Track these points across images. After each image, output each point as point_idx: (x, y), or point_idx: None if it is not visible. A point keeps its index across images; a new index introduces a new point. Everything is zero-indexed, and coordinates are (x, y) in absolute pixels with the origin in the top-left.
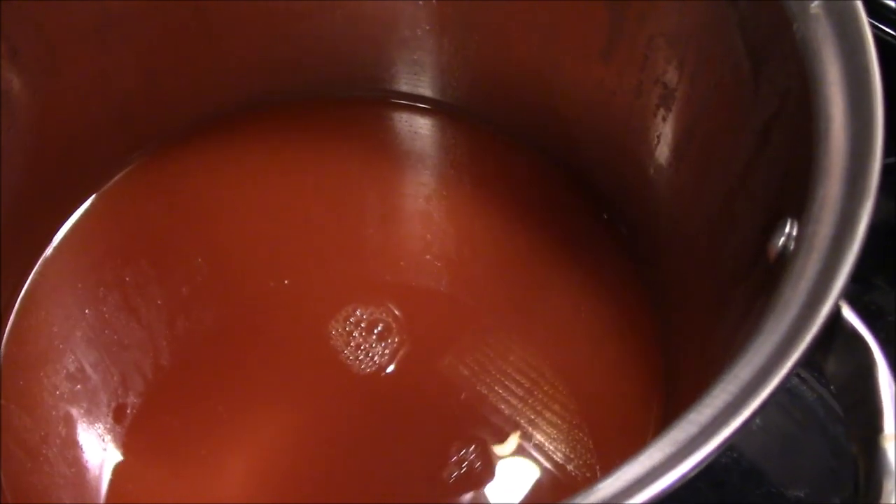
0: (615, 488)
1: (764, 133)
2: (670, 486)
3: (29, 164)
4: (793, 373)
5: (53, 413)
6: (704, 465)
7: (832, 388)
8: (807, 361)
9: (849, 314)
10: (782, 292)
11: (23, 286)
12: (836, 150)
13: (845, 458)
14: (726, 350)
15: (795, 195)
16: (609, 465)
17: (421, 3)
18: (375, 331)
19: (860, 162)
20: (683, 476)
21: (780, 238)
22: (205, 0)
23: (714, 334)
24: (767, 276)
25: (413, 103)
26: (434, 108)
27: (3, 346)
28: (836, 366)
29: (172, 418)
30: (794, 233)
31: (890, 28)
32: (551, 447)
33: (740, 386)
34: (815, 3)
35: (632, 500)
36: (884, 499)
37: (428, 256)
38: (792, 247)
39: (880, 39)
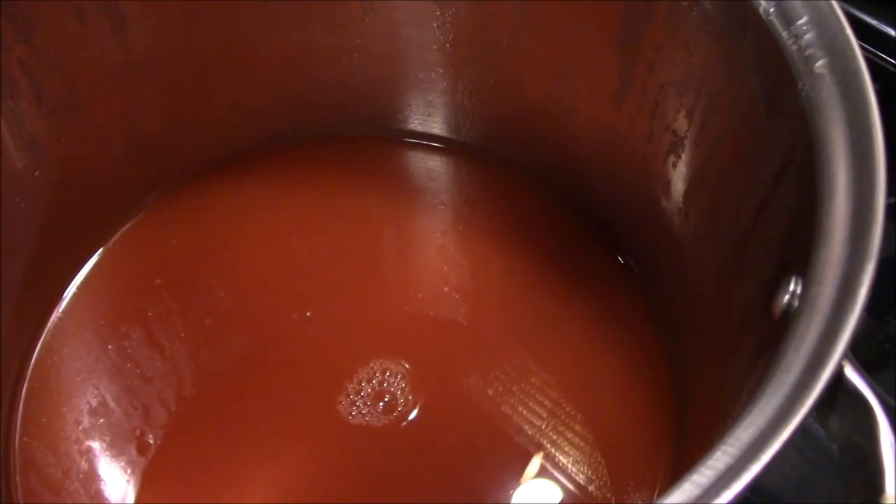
0: None
1: (772, 186)
2: None
3: (53, 203)
4: (794, 436)
5: (76, 447)
6: None
7: (834, 447)
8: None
9: (851, 374)
10: (785, 353)
11: (46, 324)
12: (839, 210)
13: None
14: (734, 393)
15: (800, 253)
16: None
17: (435, 47)
18: (395, 382)
19: (863, 224)
20: None
21: (784, 295)
22: (226, 43)
23: (725, 370)
24: (773, 331)
25: (427, 142)
26: (448, 146)
27: (26, 384)
28: (839, 425)
29: (194, 451)
30: (799, 291)
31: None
32: (569, 471)
33: (741, 448)
34: (820, 62)
35: None
36: None
37: (445, 288)
38: (796, 305)
39: (885, 71)
